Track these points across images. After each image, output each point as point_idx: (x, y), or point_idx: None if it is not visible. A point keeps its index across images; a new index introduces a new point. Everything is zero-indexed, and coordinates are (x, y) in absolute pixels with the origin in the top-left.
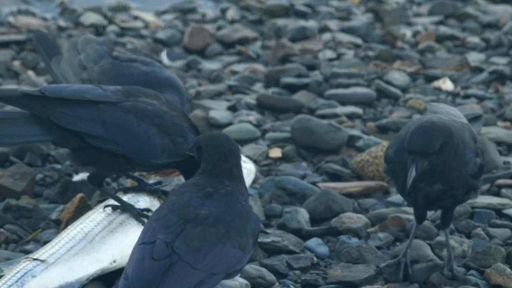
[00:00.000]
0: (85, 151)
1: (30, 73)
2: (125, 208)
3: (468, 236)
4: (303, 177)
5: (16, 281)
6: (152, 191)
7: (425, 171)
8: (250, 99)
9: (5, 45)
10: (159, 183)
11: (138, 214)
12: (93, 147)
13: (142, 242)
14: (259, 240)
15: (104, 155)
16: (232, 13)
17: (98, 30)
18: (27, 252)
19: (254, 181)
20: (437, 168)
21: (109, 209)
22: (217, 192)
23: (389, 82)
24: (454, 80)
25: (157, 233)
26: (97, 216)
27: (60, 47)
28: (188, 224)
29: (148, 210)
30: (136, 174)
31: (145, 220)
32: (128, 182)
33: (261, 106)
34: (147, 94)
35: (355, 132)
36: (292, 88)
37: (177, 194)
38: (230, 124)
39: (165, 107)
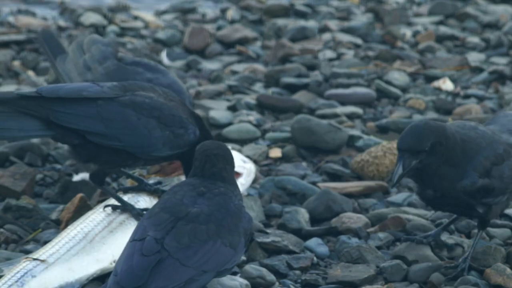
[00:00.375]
0: (85, 148)
1: (30, 73)
2: (125, 208)
3: (468, 236)
4: (303, 177)
5: (16, 281)
6: (152, 191)
7: (416, 172)
8: (250, 99)
9: (5, 45)
10: (159, 183)
11: (138, 214)
12: (94, 143)
13: (133, 239)
14: (259, 240)
15: (105, 151)
16: (232, 13)
17: (98, 30)
18: (27, 252)
19: (254, 181)
20: (428, 171)
21: (109, 209)
22: (210, 192)
23: (389, 82)
24: (454, 80)
25: (148, 230)
26: (97, 216)
27: (65, 46)
28: (179, 221)
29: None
30: (136, 173)
31: None
32: (128, 182)
33: (261, 106)
34: (143, 88)
35: (355, 132)
36: (292, 88)
37: (170, 193)
38: (230, 124)
39: (162, 98)
